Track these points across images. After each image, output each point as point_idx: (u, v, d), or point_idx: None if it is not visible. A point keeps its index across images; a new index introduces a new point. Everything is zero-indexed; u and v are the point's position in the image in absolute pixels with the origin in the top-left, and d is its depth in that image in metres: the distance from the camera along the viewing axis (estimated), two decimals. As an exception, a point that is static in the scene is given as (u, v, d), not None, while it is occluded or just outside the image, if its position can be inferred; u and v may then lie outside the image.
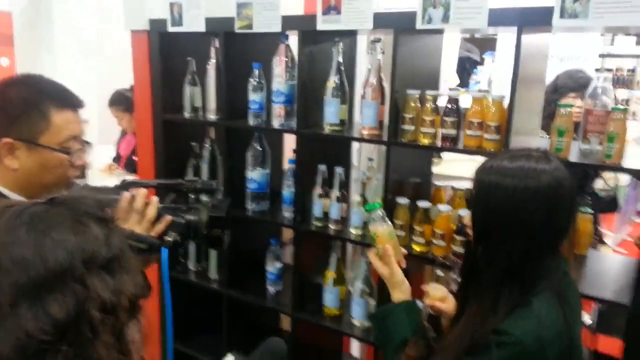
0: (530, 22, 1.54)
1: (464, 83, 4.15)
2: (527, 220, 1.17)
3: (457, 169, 3.56)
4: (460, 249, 1.79)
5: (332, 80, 1.99)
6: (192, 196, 1.42)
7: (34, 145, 1.27)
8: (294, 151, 2.36)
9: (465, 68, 4.30)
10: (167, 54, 2.41)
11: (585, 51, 3.42)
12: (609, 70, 5.03)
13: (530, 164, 1.19)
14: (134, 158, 3.35)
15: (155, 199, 1.32)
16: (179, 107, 2.42)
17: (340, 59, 1.98)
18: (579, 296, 1.33)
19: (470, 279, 1.34)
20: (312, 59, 2.02)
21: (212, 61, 2.29)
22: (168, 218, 1.30)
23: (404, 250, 1.49)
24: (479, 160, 1.35)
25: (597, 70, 3.46)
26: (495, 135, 1.67)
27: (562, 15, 1.47)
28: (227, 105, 2.24)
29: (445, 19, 1.65)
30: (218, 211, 1.33)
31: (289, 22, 1.99)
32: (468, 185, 2.43)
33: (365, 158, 2.54)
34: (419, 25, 1.69)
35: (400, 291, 1.42)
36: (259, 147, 2.26)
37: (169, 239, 1.29)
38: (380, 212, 1.47)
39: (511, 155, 1.24)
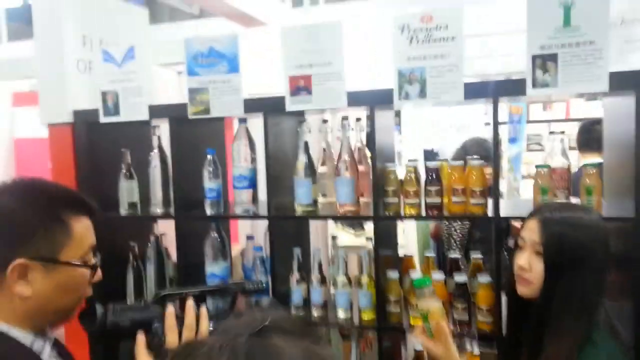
0: (505, 93, 1.68)
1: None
2: (595, 258, 1.26)
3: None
4: (461, 315, 1.79)
5: (301, 160, 1.94)
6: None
7: (52, 264, 1.02)
8: (248, 237, 2.25)
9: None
10: (98, 147, 2.17)
11: (474, 121, 3.84)
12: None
13: (584, 214, 1.32)
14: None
15: (204, 310, 1.13)
16: (112, 204, 2.17)
17: (306, 138, 1.96)
18: None
19: (518, 331, 1.36)
20: (276, 140, 1.97)
21: (155, 151, 2.12)
22: None
23: (450, 326, 1.44)
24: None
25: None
26: (481, 200, 1.75)
27: (534, 86, 1.63)
28: (179, 197, 2.06)
29: (422, 94, 1.72)
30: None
31: (251, 105, 1.93)
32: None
33: (320, 237, 2.48)
34: (396, 101, 1.75)
35: None
36: (218, 238, 2.09)
37: None
38: (432, 287, 1.41)
39: (568, 207, 1.35)
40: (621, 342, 1.27)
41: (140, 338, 1.10)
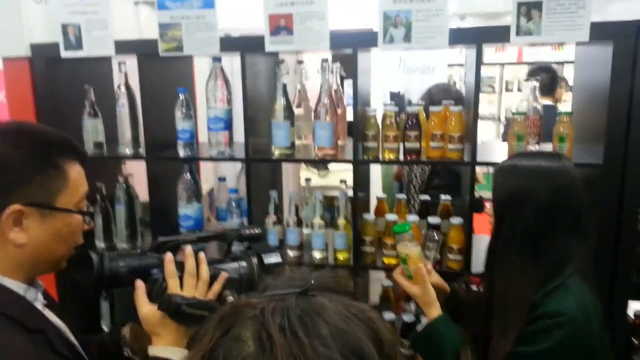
0: (489, 40, 1.69)
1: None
2: (540, 206, 1.29)
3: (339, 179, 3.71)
4: (431, 254, 1.87)
5: (280, 102, 1.90)
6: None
7: (49, 210, 0.98)
8: (220, 179, 2.22)
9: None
10: (57, 83, 2.04)
11: (438, 62, 3.85)
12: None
13: (541, 162, 1.36)
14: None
15: (203, 255, 1.11)
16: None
17: (285, 80, 1.92)
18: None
19: (492, 268, 1.42)
20: (253, 81, 1.91)
21: (122, 89, 2.02)
22: (224, 275, 1.11)
23: (429, 266, 1.50)
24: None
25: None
26: (459, 145, 1.79)
27: (518, 33, 1.64)
28: (151, 137, 1.99)
29: (407, 38, 1.70)
30: (272, 257, 1.17)
31: (227, 43, 1.85)
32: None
33: (291, 179, 2.48)
34: (381, 45, 1.72)
35: (435, 308, 1.43)
36: (191, 180, 2.05)
37: (231, 298, 1.10)
38: (411, 232, 1.45)
39: (528, 155, 1.39)
40: (591, 286, 1.33)
41: (140, 285, 1.08)
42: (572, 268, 1.32)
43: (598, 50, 1.72)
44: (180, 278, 1.09)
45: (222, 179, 2.24)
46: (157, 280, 1.08)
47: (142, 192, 2.20)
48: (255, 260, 1.17)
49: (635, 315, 1.94)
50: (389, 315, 1.94)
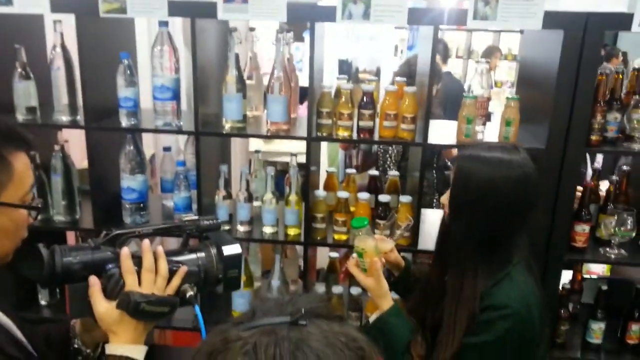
0: (447, 22, 1.68)
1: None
2: (501, 198, 1.30)
3: (286, 145, 3.67)
4: (382, 231, 1.90)
5: (232, 74, 1.83)
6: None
7: None
8: (164, 149, 2.14)
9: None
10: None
11: (385, 27, 3.81)
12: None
13: (503, 154, 1.33)
14: None
15: (161, 250, 1.06)
16: (5, 109, 1.91)
17: (237, 50, 1.84)
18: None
19: (443, 255, 1.45)
20: (202, 48, 1.82)
21: (58, 50, 1.86)
22: (183, 269, 1.07)
23: (383, 260, 1.51)
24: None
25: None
26: (411, 125, 1.80)
27: (474, 17, 1.65)
28: (90, 103, 1.86)
29: (366, 15, 1.67)
30: (231, 247, 1.13)
31: (176, 7, 1.73)
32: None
33: (238, 148, 2.42)
34: (339, 20, 1.68)
35: (387, 300, 1.45)
36: (135, 151, 1.95)
37: (191, 293, 1.06)
38: (368, 227, 1.45)
39: (488, 147, 1.38)
40: (535, 280, 1.38)
41: (95, 282, 1.02)
42: (517, 257, 1.36)
43: (547, 33, 1.75)
44: (138, 273, 1.04)
45: (167, 149, 2.15)
46: (113, 276, 1.02)
47: (79, 158, 2.08)
48: (214, 250, 1.13)
49: (562, 287, 2.09)
50: (337, 289, 1.98)
